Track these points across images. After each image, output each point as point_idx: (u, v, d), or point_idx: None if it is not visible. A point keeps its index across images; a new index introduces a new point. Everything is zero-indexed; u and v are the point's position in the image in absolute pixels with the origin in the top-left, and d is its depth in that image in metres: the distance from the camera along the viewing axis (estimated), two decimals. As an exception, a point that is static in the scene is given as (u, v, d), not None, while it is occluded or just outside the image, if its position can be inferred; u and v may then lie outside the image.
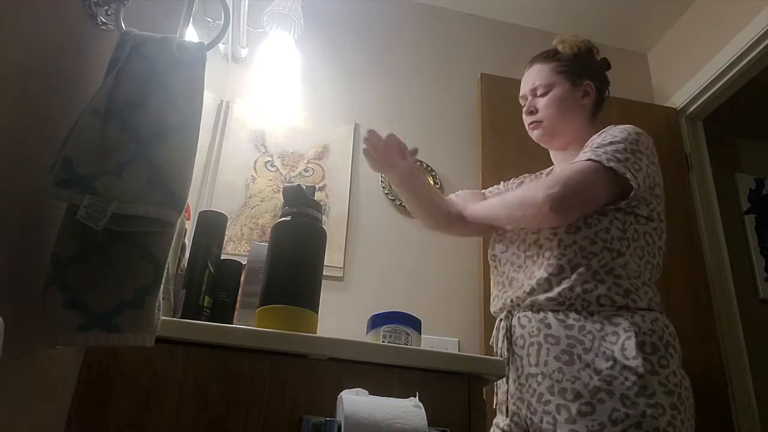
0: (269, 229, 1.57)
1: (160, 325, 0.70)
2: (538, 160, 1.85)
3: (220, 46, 1.93)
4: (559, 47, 1.38)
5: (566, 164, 1.24)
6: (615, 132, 1.20)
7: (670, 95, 2.40)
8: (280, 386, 0.81)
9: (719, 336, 1.97)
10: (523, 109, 1.38)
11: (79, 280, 0.62)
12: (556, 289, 1.13)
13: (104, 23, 0.77)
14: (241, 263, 1.09)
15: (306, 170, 1.87)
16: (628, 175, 1.12)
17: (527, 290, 1.17)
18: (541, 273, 1.16)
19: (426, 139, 2.12)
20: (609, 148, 1.15)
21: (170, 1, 1.04)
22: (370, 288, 1.84)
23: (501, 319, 1.24)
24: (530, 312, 1.17)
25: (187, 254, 1.06)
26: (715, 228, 2.20)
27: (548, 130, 1.33)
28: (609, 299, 1.10)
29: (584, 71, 1.35)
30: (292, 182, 1.77)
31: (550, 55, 1.38)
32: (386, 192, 1.99)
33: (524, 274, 1.21)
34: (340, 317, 1.65)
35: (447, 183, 2.06)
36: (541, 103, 1.33)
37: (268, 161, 1.86)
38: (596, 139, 1.20)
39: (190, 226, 1.32)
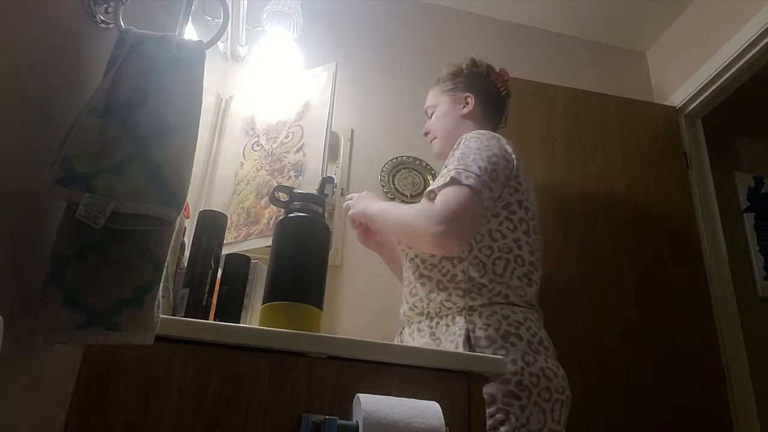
0: (252, 210, 1.56)
1: (160, 323, 0.70)
2: (535, 161, 1.85)
3: (220, 44, 1.93)
4: (444, 71, 1.54)
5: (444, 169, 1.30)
6: (469, 144, 1.26)
7: (669, 94, 2.40)
8: (280, 384, 0.81)
9: (718, 334, 1.97)
10: (422, 132, 1.55)
11: (79, 278, 0.62)
12: (411, 300, 1.27)
13: (103, 21, 0.77)
14: (249, 258, 1.09)
15: (287, 136, 1.70)
16: (485, 194, 1.18)
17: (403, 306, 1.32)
18: (404, 287, 1.32)
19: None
20: (469, 166, 1.20)
21: (169, 0, 1.04)
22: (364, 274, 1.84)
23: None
24: (406, 327, 1.30)
25: (187, 253, 1.06)
26: (714, 226, 2.20)
27: (440, 145, 1.47)
28: (451, 302, 1.19)
29: (464, 85, 1.48)
30: (274, 154, 1.68)
31: (438, 80, 1.54)
32: (385, 191, 1.99)
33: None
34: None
35: (446, 181, 2.05)
36: (432, 121, 1.50)
37: (255, 142, 1.76)
38: (457, 153, 1.26)
39: (190, 224, 1.32)
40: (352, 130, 2.07)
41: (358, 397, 0.76)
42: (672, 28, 2.48)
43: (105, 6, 0.76)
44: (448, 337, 1.15)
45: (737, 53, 2.06)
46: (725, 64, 2.11)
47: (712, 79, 2.18)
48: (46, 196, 0.66)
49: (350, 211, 1.42)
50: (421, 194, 2.01)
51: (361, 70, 2.21)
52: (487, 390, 1.04)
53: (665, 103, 2.37)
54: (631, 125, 2.23)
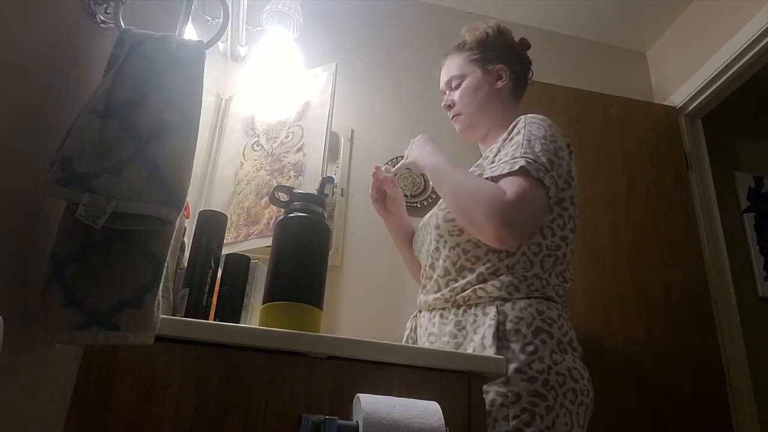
0: (252, 210, 1.56)
1: (160, 323, 0.70)
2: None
3: (219, 44, 1.92)
4: (467, 36, 1.37)
5: (492, 152, 1.21)
6: (532, 129, 1.15)
7: (669, 94, 2.40)
8: (280, 384, 0.81)
9: (718, 334, 1.97)
10: (442, 105, 1.39)
11: (79, 278, 0.62)
12: (442, 290, 1.17)
13: (103, 21, 0.77)
14: (249, 258, 1.09)
15: (287, 136, 1.68)
16: (552, 191, 1.09)
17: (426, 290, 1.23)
18: (430, 272, 1.22)
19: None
20: (538, 157, 1.10)
21: (169, 0, 1.04)
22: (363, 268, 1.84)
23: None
24: (425, 312, 1.22)
25: (187, 253, 1.06)
26: (715, 226, 2.20)
27: (467, 122, 1.33)
28: (485, 292, 1.10)
29: (495, 56, 1.33)
30: (274, 154, 1.68)
31: (460, 47, 1.37)
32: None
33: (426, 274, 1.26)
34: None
35: (446, 181, 2.06)
36: (457, 94, 1.33)
37: (255, 142, 1.74)
38: (518, 138, 1.15)
39: (190, 224, 1.32)
40: (352, 130, 2.07)
41: (358, 397, 0.76)
42: (672, 28, 2.48)
43: (105, 6, 0.76)
44: (477, 329, 1.08)
45: (737, 53, 2.07)
46: (725, 64, 2.12)
47: (712, 79, 2.18)
48: (46, 196, 0.66)
49: (403, 160, 1.31)
50: (421, 194, 2.01)
51: (361, 70, 2.21)
52: (512, 388, 0.98)
53: (665, 103, 2.37)
54: (631, 125, 2.23)
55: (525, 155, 1.09)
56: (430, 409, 0.75)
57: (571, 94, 2.22)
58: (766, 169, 2.86)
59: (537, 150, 1.10)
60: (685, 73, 2.31)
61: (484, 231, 1.06)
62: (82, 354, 0.77)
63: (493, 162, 1.16)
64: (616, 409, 1.75)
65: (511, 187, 1.06)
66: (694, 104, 2.29)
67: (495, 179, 1.10)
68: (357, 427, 0.72)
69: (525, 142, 1.12)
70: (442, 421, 0.74)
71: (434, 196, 2.02)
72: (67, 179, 0.61)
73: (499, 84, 1.32)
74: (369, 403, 0.73)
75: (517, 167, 1.07)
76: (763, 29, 1.96)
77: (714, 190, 2.26)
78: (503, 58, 1.34)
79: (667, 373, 1.85)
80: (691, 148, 2.29)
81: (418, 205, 2.00)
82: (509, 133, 1.19)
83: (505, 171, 1.09)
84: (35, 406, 0.69)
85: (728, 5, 2.15)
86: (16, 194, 0.61)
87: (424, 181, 2.04)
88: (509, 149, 1.13)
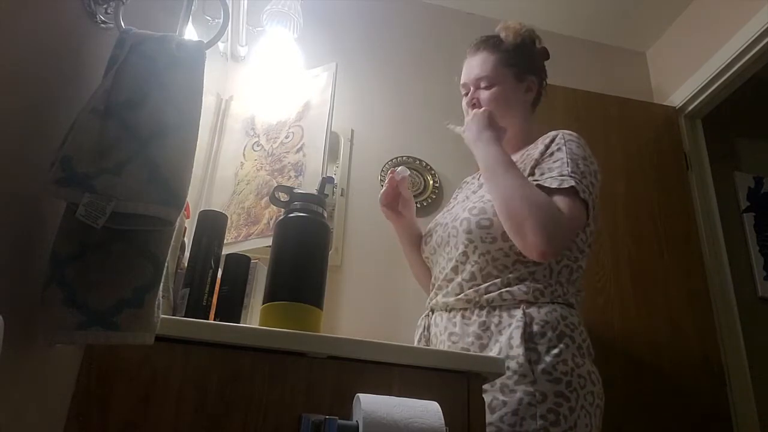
0: (252, 210, 1.56)
1: (160, 323, 0.70)
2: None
3: (220, 44, 1.92)
4: (503, 35, 1.35)
5: (527, 164, 1.21)
6: (573, 148, 1.17)
7: (669, 94, 2.40)
8: (280, 384, 0.81)
9: (718, 334, 1.97)
10: (465, 99, 1.35)
11: (79, 278, 0.62)
12: (467, 292, 1.16)
13: (103, 21, 0.77)
14: (249, 258, 1.09)
15: (287, 136, 1.66)
16: (592, 213, 1.14)
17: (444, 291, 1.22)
18: (452, 275, 1.20)
19: (426, 139, 2.12)
20: (584, 177, 1.13)
21: (169, 0, 1.04)
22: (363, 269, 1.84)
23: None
24: (443, 312, 1.21)
25: (187, 253, 1.06)
26: (714, 226, 2.20)
27: None
28: (511, 295, 1.11)
29: (528, 66, 1.33)
30: (274, 154, 1.67)
31: (495, 44, 1.34)
32: (383, 186, 1.99)
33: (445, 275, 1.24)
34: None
35: (447, 183, 2.06)
36: (485, 96, 1.30)
37: (255, 142, 1.73)
38: (559, 154, 1.16)
39: (190, 224, 1.32)
40: (352, 130, 2.07)
41: (358, 397, 0.76)
42: (672, 28, 2.48)
43: (105, 6, 0.76)
44: (502, 330, 1.09)
45: (737, 53, 2.07)
46: (725, 64, 2.12)
47: (712, 79, 2.18)
48: (46, 196, 0.66)
49: (462, 131, 1.28)
50: (421, 194, 2.01)
51: (361, 70, 2.21)
52: (539, 388, 1.01)
53: (665, 103, 2.37)
54: (631, 125, 2.23)
55: (573, 174, 1.11)
56: (430, 409, 0.75)
57: (570, 94, 2.22)
58: (766, 169, 2.86)
59: (582, 170, 1.13)
60: (685, 73, 2.31)
61: (529, 241, 1.06)
62: (82, 354, 0.77)
63: (533, 174, 1.17)
64: (615, 409, 1.75)
65: (563, 205, 1.09)
66: (694, 104, 2.29)
67: (544, 190, 1.11)
68: (357, 427, 0.72)
69: (569, 160, 1.14)
70: (442, 421, 0.74)
71: (434, 197, 2.02)
72: (67, 179, 0.61)
73: (528, 96, 1.34)
74: (369, 403, 0.73)
75: (566, 185, 1.10)
76: (763, 29, 1.96)
77: (714, 190, 2.26)
78: (533, 69, 1.34)
79: (667, 372, 1.85)
80: (691, 148, 2.29)
81: (418, 206, 1.99)
82: (547, 147, 1.20)
83: (554, 185, 1.11)
84: (35, 405, 0.69)
85: (728, 5, 2.15)
86: (16, 194, 0.61)
87: (424, 181, 2.05)
88: (552, 164, 1.15)
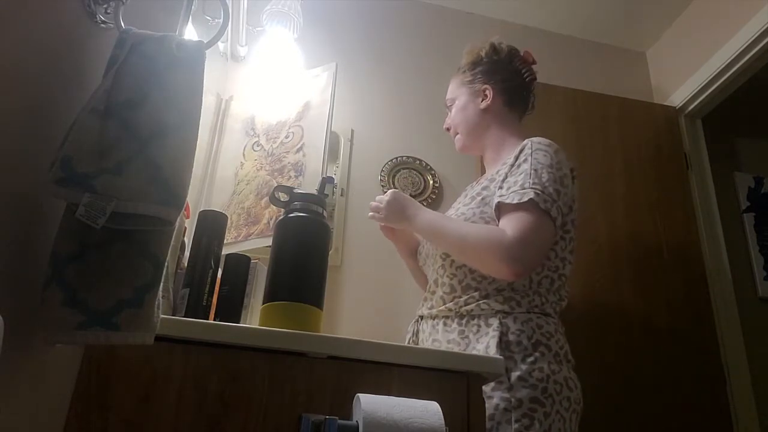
0: (252, 210, 1.56)
1: (160, 323, 0.70)
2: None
3: (220, 44, 1.92)
4: (463, 59, 1.45)
5: (493, 168, 1.29)
6: (539, 157, 1.19)
7: (669, 94, 2.40)
8: (280, 384, 0.81)
9: (718, 334, 1.97)
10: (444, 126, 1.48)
11: (79, 278, 0.62)
12: (448, 303, 1.22)
13: (103, 21, 0.77)
14: (249, 258, 1.09)
15: (287, 136, 1.66)
16: (558, 221, 1.15)
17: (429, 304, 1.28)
18: (434, 287, 1.26)
19: (426, 139, 2.12)
20: (545, 188, 1.14)
21: (169, 0, 1.04)
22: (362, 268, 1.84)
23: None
24: (428, 320, 1.26)
25: (187, 253, 1.06)
26: (714, 226, 2.20)
27: (462, 141, 1.42)
28: (488, 305, 1.16)
29: (482, 76, 1.40)
30: (274, 154, 1.68)
31: (458, 69, 1.46)
32: (385, 191, 1.99)
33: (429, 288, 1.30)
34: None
35: (447, 183, 2.06)
36: (453, 116, 1.44)
37: (255, 142, 1.73)
38: (525, 166, 1.18)
39: (190, 224, 1.32)
40: (352, 130, 2.07)
41: (358, 397, 0.76)
42: (672, 28, 2.48)
43: (105, 6, 0.76)
44: (480, 338, 1.14)
45: (737, 53, 2.06)
46: (725, 64, 2.11)
47: (712, 79, 2.18)
48: (47, 196, 0.66)
49: (382, 223, 1.33)
50: (421, 194, 2.01)
51: (361, 70, 2.21)
52: (515, 394, 1.05)
53: (665, 103, 2.37)
54: (631, 125, 2.23)
55: (534, 186, 1.13)
56: (429, 409, 0.75)
57: (570, 94, 2.22)
58: (766, 169, 2.86)
59: (544, 180, 1.15)
60: (685, 73, 2.31)
61: (498, 271, 1.11)
62: (82, 354, 0.77)
63: (501, 187, 1.20)
64: (615, 409, 1.75)
65: (516, 224, 1.11)
66: (694, 104, 2.29)
67: (505, 207, 1.15)
68: (357, 427, 0.72)
69: (532, 171, 1.16)
70: (442, 420, 0.74)
71: (434, 197, 2.02)
72: (67, 179, 0.61)
73: (484, 104, 1.38)
74: (369, 403, 0.73)
75: (526, 199, 1.11)
76: (763, 29, 1.96)
77: (714, 190, 2.26)
78: (490, 77, 1.39)
79: (667, 372, 1.85)
80: (691, 149, 2.28)
81: (418, 205, 1.99)
82: (516, 159, 1.22)
83: (515, 201, 1.13)
84: (35, 405, 0.69)
85: (728, 5, 2.15)
86: (16, 194, 0.61)
87: (424, 181, 2.05)
88: (518, 177, 1.18)
